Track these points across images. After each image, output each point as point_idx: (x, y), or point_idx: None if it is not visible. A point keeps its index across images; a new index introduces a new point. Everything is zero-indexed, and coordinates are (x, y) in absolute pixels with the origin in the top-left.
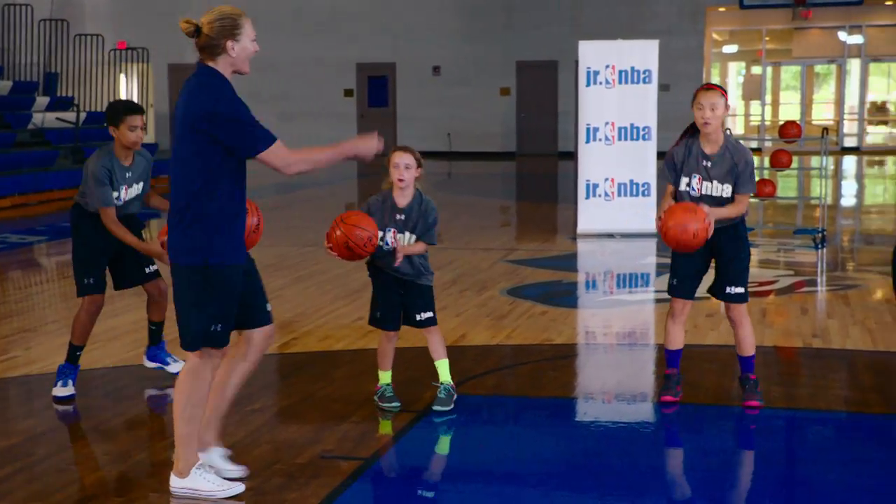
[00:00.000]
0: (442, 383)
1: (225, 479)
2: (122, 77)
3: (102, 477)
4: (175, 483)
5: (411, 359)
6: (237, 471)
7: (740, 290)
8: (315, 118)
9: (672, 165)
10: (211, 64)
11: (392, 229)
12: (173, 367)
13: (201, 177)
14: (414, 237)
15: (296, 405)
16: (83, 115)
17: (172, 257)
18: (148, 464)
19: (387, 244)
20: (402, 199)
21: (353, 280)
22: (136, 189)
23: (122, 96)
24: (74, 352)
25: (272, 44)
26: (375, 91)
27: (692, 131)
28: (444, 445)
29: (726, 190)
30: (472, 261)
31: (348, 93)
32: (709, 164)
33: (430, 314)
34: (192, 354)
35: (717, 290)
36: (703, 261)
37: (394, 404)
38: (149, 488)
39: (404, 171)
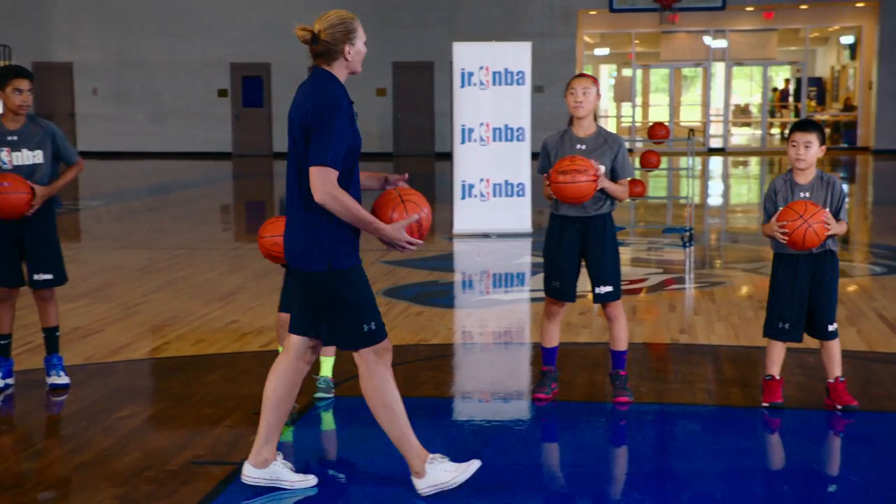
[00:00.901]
0: (323, 376)
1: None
2: None
3: None
4: (420, 485)
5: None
6: (310, 479)
7: (609, 288)
8: (188, 118)
9: (546, 152)
10: (326, 67)
11: None
12: (53, 380)
13: None
14: None
15: (167, 410)
16: None
17: (294, 263)
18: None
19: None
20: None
21: (226, 283)
22: (31, 157)
23: None
24: None
25: (143, 42)
26: (250, 91)
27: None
28: (319, 447)
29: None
30: None
31: (222, 93)
32: (583, 147)
33: None
34: (358, 360)
35: (591, 289)
36: (577, 260)
37: (321, 394)
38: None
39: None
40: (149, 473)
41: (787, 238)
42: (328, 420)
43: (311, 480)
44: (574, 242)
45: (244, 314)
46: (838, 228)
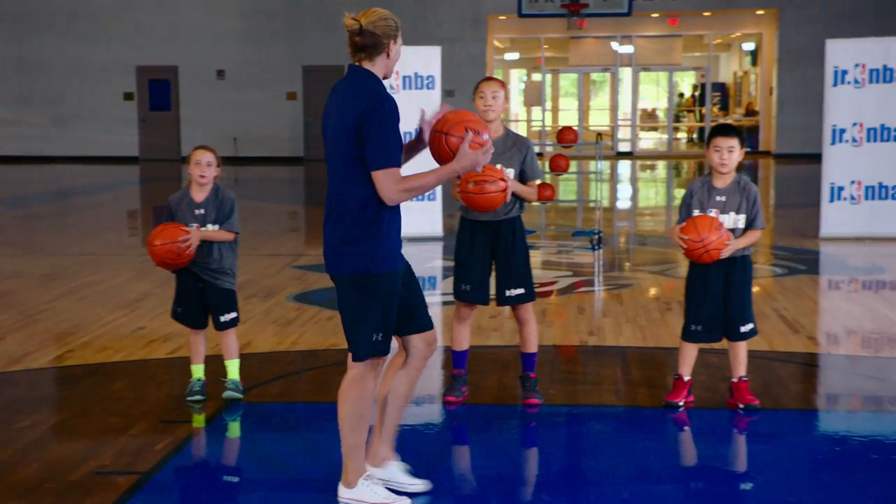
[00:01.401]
0: (232, 379)
1: (398, 493)
2: None
3: None
4: (343, 494)
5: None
6: (420, 485)
7: (521, 290)
8: (92, 122)
9: None
10: (367, 64)
11: (195, 224)
12: None
13: (367, 183)
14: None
15: (70, 420)
16: None
17: (332, 267)
18: None
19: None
20: (201, 194)
21: (131, 290)
22: None
23: None
24: None
25: (45, 44)
26: (157, 94)
27: None
28: (229, 455)
29: (509, 174)
30: (258, 267)
31: (128, 96)
32: (491, 150)
33: (233, 315)
34: (355, 364)
35: (500, 294)
36: (488, 263)
37: (196, 398)
38: None
39: (206, 169)
40: (50, 485)
41: (683, 251)
42: (237, 427)
43: (421, 485)
44: (485, 246)
45: (151, 321)
46: (744, 242)
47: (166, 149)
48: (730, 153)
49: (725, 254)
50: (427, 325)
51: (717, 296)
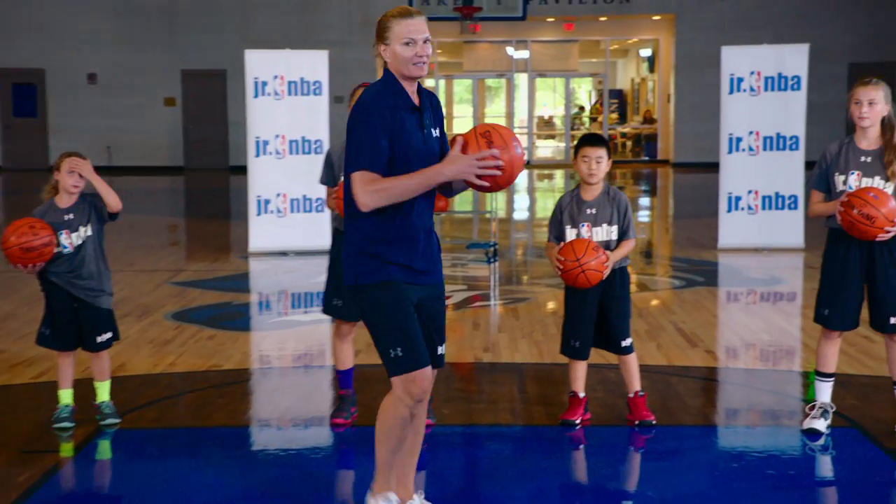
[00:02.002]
0: (103, 401)
1: None
2: None
3: None
4: (366, 499)
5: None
6: None
7: None
8: None
9: (329, 163)
10: (390, 67)
11: (64, 231)
12: None
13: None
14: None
15: None
16: None
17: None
18: None
19: (65, 248)
20: (68, 201)
21: None
22: None
23: None
24: None
25: None
26: (21, 100)
27: None
28: (100, 487)
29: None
30: (134, 283)
31: None
32: None
33: (109, 335)
34: (392, 380)
35: None
36: None
37: (64, 425)
38: None
39: (79, 179)
40: None
41: (559, 273)
42: (109, 455)
43: None
44: None
45: (14, 342)
46: (619, 254)
47: (32, 158)
48: (598, 163)
49: (606, 274)
50: (436, 361)
51: (594, 310)
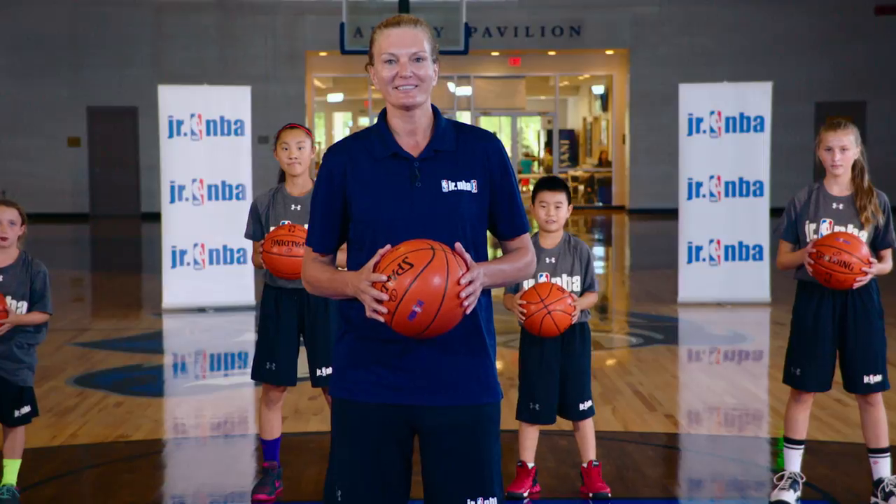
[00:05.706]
0: (7, 484)
1: None
2: None
3: None
4: None
5: None
6: None
7: (329, 370)
8: None
9: (256, 215)
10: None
11: None
12: None
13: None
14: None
15: None
16: None
17: None
18: None
19: None
20: (2, 260)
21: None
22: None
23: None
24: None
25: None
26: None
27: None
28: None
29: None
30: None
31: None
32: (298, 207)
33: (28, 409)
34: None
35: (312, 373)
36: (296, 337)
37: None
38: None
39: (7, 229)
40: None
41: (523, 320)
42: None
43: None
44: (292, 317)
45: None
46: (584, 303)
47: None
48: (557, 209)
49: (575, 319)
50: None
51: (553, 369)
